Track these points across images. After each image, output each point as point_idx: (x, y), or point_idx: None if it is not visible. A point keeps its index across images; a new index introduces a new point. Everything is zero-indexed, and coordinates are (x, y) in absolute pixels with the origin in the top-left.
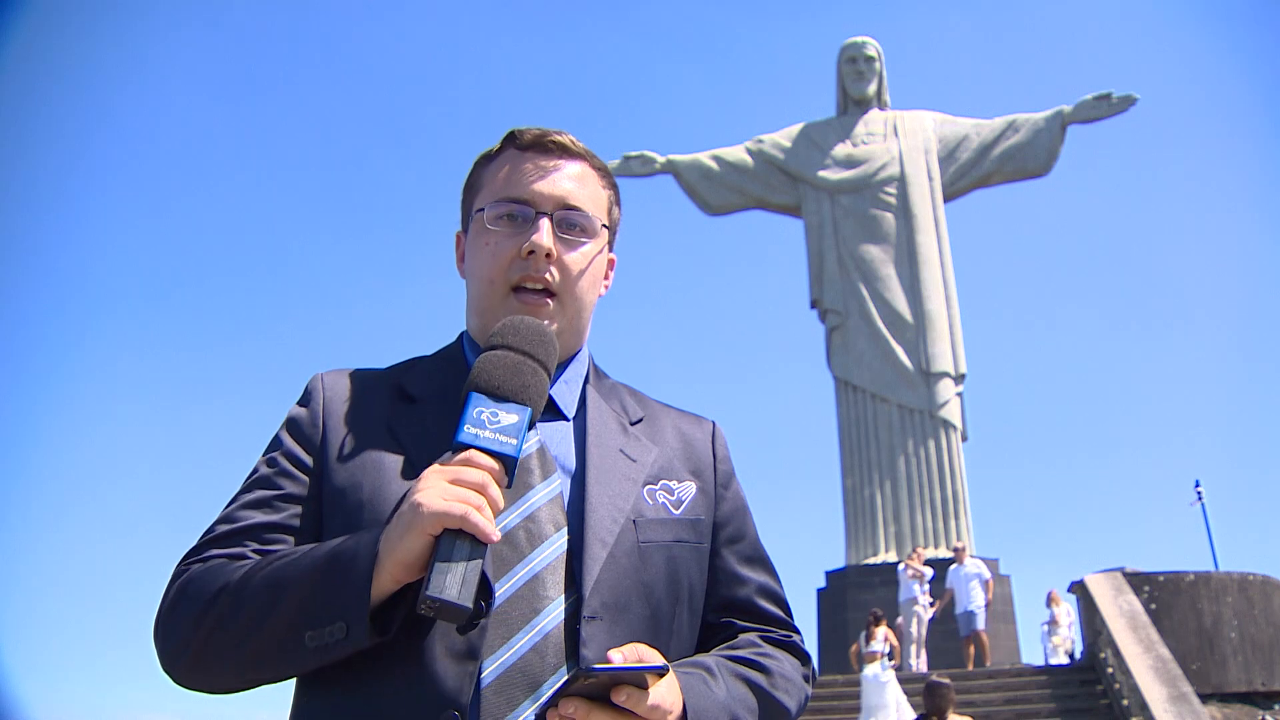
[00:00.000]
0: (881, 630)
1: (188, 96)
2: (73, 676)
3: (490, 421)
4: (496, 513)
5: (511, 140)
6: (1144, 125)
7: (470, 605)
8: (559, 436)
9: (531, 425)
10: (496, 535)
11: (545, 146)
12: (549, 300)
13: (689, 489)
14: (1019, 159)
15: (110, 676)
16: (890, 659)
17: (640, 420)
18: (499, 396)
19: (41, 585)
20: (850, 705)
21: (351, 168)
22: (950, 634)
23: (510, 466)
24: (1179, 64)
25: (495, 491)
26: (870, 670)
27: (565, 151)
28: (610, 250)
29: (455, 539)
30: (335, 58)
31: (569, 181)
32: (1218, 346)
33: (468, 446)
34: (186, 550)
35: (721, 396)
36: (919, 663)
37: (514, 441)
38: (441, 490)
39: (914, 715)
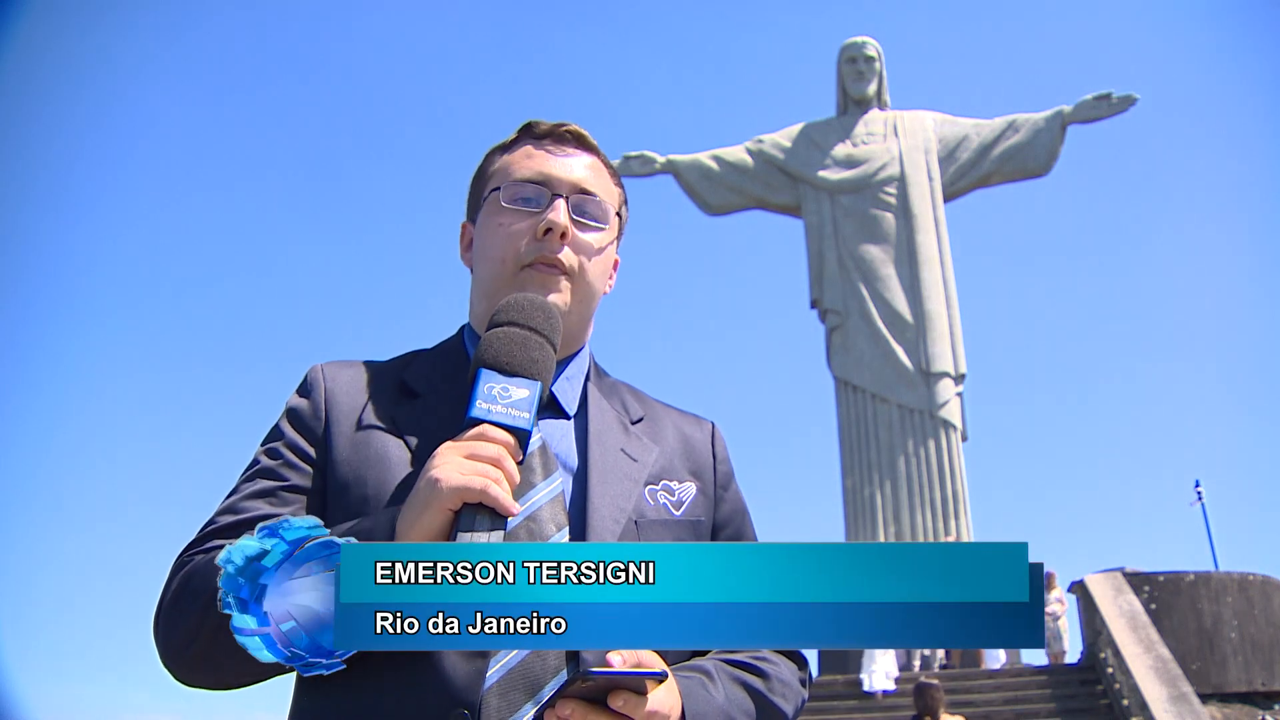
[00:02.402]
0: None
1: (183, 97)
2: (73, 676)
3: (501, 396)
4: (513, 486)
5: (528, 130)
6: (1144, 125)
7: None
8: (560, 434)
9: (541, 400)
10: (516, 508)
11: (561, 136)
12: (562, 275)
13: (689, 490)
14: (1019, 159)
15: (110, 676)
16: None
17: (641, 419)
18: (508, 371)
19: (41, 585)
20: (850, 706)
21: (352, 167)
22: None
23: (523, 440)
24: (1179, 64)
25: (511, 465)
26: None
27: (581, 142)
28: (617, 244)
29: (475, 513)
30: (334, 57)
31: (584, 170)
32: (1218, 346)
33: (480, 422)
34: (188, 542)
35: (722, 396)
36: (918, 665)
37: (527, 415)
38: (458, 465)
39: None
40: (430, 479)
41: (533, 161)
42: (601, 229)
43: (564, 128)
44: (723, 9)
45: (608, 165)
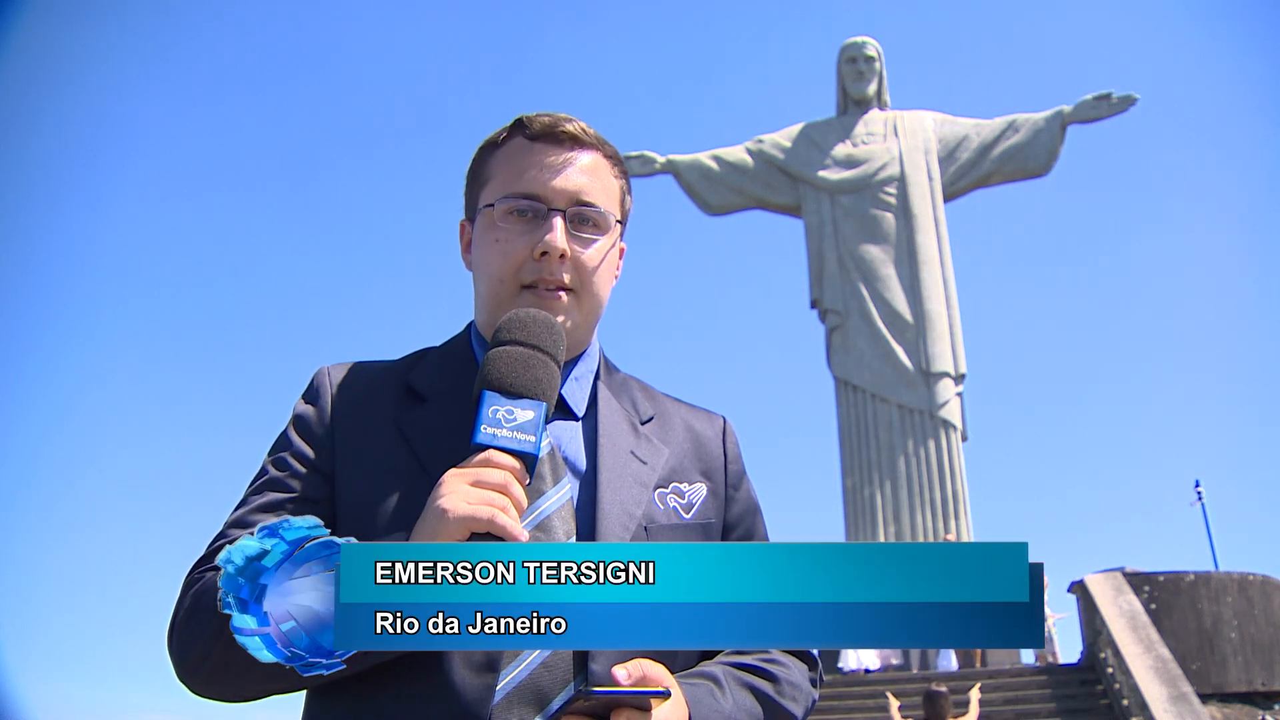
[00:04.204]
0: None
1: (188, 99)
2: (73, 676)
3: (506, 420)
4: (520, 512)
5: (520, 128)
6: (1144, 125)
7: None
8: (569, 436)
9: (547, 419)
10: (524, 535)
11: (556, 136)
12: (563, 295)
13: (700, 491)
14: (1019, 159)
15: (110, 676)
16: None
17: (651, 419)
18: (512, 393)
19: (41, 585)
20: (849, 705)
21: (356, 165)
22: None
23: (530, 464)
24: (1179, 64)
25: (518, 491)
26: None
27: (577, 142)
28: (620, 240)
29: (483, 542)
30: (339, 56)
31: (582, 175)
32: (1218, 346)
33: (485, 447)
34: (198, 557)
35: (721, 397)
36: (916, 663)
37: (533, 439)
38: (464, 494)
39: (877, 660)
40: (437, 509)
41: (527, 169)
42: (601, 237)
43: (559, 126)
44: (723, 9)
45: (608, 155)
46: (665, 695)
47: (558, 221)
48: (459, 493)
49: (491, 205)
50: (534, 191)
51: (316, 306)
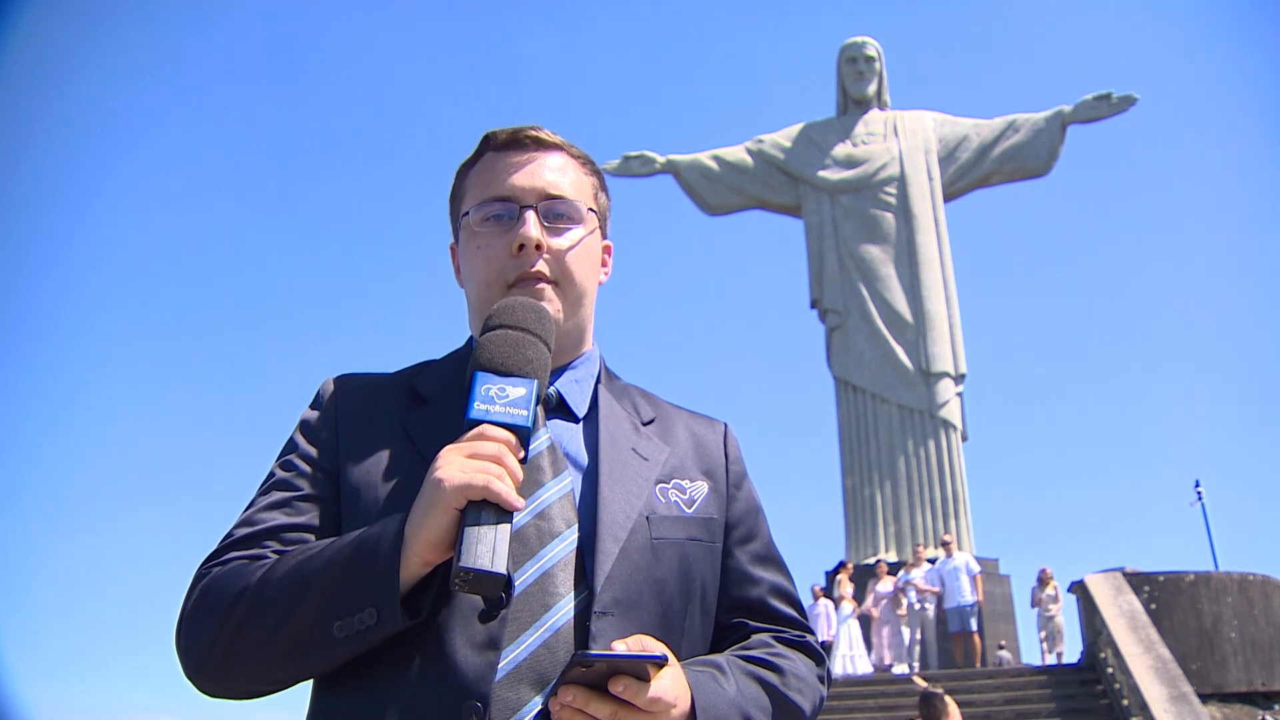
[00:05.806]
0: (839, 575)
1: (187, 99)
2: (73, 676)
3: (499, 396)
4: (516, 483)
5: (487, 143)
6: (1144, 125)
7: (505, 572)
8: (570, 435)
9: (539, 399)
10: (520, 502)
11: (520, 142)
12: (546, 286)
13: (701, 488)
14: (1019, 159)
15: (110, 676)
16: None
17: (652, 421)
18: (504, 372)
19: (41, 585)
20: (847, 705)
21: (353, 174)
22: (944, 633)
23: (524, 437)
24: (1179, 64)
25: (512, 461)
26: (840, 609)
27: (540, 144)
28: (605, 237)
29: (480, 510)
30: (336, 58)
31: (549, 172)
32: (1218, 346)
33: (479, 422)
34: (206, 555)
35: (721, 396)
36: (917, 664)
37: (524, 413)
38: (460, 464)
39: (869, 666)
40: (434, 480)
41: (496, 176)
42: (576, 227)
43: (522, 133)
44: (724, 9)
45: (575, 155)
46: (661, 661)
47: (529, 215)
48: (455, 464)
49: (468, 214)
50: (504, 194)
51: (323, 307)
